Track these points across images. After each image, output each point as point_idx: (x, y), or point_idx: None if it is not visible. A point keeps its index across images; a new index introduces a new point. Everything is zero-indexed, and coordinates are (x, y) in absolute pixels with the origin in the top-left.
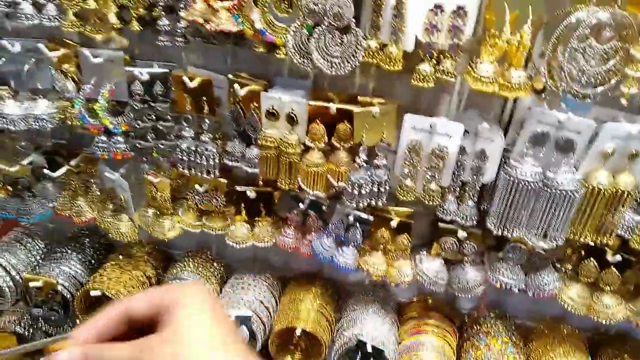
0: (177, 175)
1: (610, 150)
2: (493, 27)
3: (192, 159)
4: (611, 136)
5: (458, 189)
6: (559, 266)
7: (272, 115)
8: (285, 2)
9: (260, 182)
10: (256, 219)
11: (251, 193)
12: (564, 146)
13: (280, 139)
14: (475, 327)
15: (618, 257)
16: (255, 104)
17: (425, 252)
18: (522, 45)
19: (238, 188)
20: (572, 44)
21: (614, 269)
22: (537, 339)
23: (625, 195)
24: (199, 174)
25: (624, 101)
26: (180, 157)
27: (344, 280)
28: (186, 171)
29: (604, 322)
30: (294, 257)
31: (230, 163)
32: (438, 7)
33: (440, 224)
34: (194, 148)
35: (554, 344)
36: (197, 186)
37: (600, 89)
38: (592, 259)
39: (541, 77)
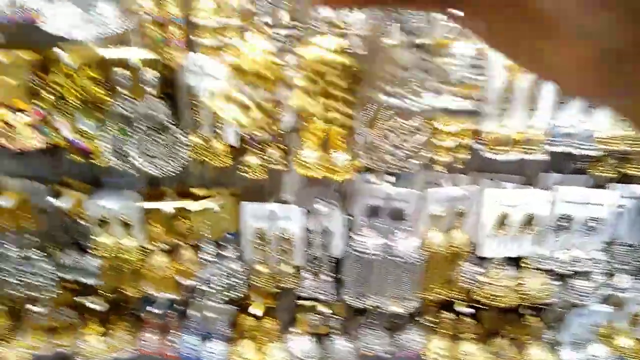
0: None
1: (439, 213)
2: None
3: (24, 278)
4: (436, 200)
5: (312, 265)
6: (419, 320)
7: (103, 222)
8: (93, 109)
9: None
10: (108, 326)
11: (96, 305)
12: (396, 215)
13: (116, 247)
14: None
15: (471, 310)
16: (81, 211)
17: (294, 331)
18: (335, 131)
19: (77, 299)
20: (380, 124)
21: (468, 318)
22: None
23: (461, 251)
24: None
25: (438, 167)
26: (7, 278)
27: None
28: (19, 293)
29: None
30: None
31: (67, 276)
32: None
33: (299, 301)
34: (22, 267)
35: None
36: (30, 306)
37: (416, 161)
38: (444, 311)
39: (360, 158)
